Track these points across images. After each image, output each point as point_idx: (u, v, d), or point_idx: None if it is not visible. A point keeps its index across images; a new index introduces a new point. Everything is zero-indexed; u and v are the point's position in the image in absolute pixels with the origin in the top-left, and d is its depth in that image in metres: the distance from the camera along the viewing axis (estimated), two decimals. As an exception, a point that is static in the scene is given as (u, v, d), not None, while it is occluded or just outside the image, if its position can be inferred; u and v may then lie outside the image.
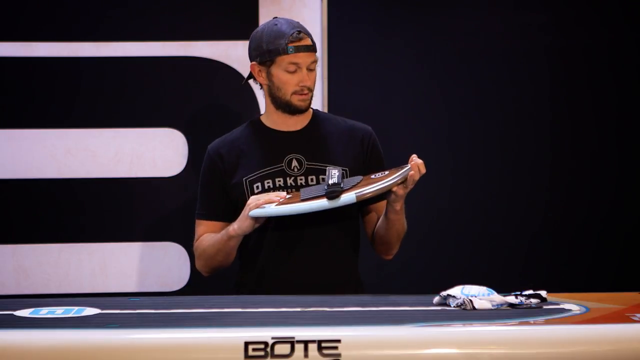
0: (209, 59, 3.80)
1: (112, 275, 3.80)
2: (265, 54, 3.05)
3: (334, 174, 2.89)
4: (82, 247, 3.80)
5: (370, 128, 3.17)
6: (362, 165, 3.09)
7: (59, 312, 2.46)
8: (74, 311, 2.46)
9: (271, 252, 3.04)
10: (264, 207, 2.89)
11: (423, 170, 2.86)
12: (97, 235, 3.80)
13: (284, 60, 3.03)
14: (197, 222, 3.15)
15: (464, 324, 2.27)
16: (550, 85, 3.95)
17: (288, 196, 2.92)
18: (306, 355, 2.13)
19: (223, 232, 3.02)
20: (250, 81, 3.19)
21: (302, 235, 3.04)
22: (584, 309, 2.45)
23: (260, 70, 3.08)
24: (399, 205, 2.95)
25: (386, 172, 2.91)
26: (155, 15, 3.80)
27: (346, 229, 3.09)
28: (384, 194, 2.89)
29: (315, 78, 3.08)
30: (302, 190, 2.95)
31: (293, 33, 3.03)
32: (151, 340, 2.19)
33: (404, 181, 2.86)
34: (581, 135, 3.95)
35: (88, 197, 3.79)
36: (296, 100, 3.06)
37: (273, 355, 2.13)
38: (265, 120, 3.15)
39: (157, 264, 3.82)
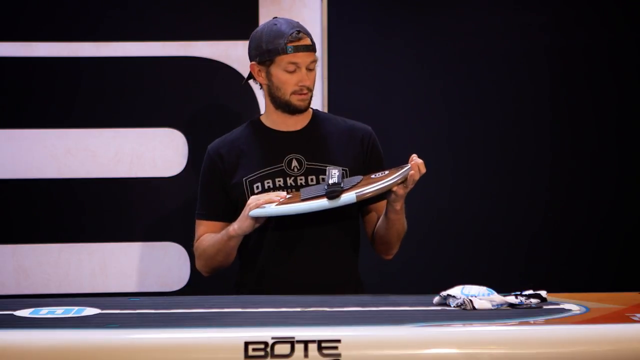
0: (209, 59, 3.80)
1: (112, 275, 3.80)
2: (264, 53, 3.05)
3: (334, 174, 2.89)
4: (82, 247, 3.80)
5: (370, 128, 3.17)
6: (362, 165, 3.09)
7: (59, 312, 2.45)
8: (74, 311, 2.46)
9: (271, 252, 3.04)
10: (264, 207, 2.89)
11: (423, 170, 2.86)
12: (97, 235, 3.80)
13: (283, 60, 3.03)
14: (197, 222, 3.15)
15: (464, 324, 2.27)
16: (550, 85, 3.95)
17: (288, 196, 2.92)
18: (306, 355, 2.13)
19: (223, 232, 3.02)
20: (250, 81, 3.19)
21: (302, 235, 3.04)
22: (584, 309, 2.45)
23: (259, 70, 3.09)
24: (399, 205, 2.95)
25: (386, 172, 2.91)
26: (155, 15, 3.80)
27: (346, 229, 3.09)
28: (384, 194, 2.89)
29: (314, 78, 3.08)
30: (302, 190, 2.95)
31: (292, 33, 3.03)
32: (151, 340, 2.19)
33: (404, 181, 2.86)
34: (581, 135, 3.95)
35: (88, 197, 3.79)
36: (295, 100, 3.06)
37: (273, 355, 2.13)
38: (265, 120, 3.15)
39: (157, 264, 3.82)
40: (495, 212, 3.94)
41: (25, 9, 3.76)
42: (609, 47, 3.94)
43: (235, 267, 3.13)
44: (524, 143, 3.94)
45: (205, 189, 3.14)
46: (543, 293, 2.50)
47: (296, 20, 3.13)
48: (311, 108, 3.17)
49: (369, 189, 2.84)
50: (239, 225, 2.96)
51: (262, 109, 3.34)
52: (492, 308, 2.44)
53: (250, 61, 3.10)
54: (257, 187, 3.04)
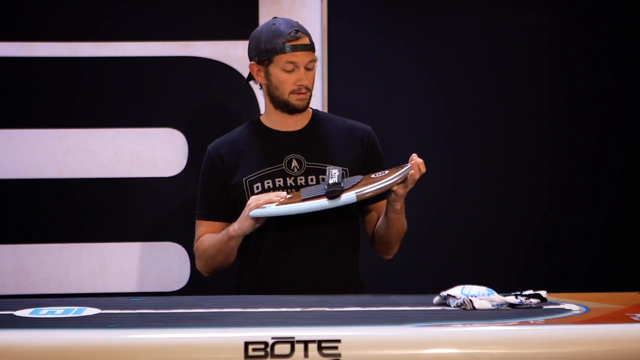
0: (209, 59, 3.80)
1: (112, 275, 3.80)
2: (263, 53, 3.06)
3: (334, 174, 2.89)
4: (82, 247, 3.80)
5: (369, 128, 3.17)
6: (362, 165, 3.09)
7: (59, 312, 2.45)
8: (74, 311, 2.46)
9: (271, 252, 3.04)
10: (264, 207, 2.89)
11: (423, 170, 2.87)
12: (97, 235, 3.80)
13: (282, 59, 3.04)
14: (197, 222, 3.14)
15: (464, 324, 2.27)
16: (550, 85, 3.95)
17: (288, 196, 2.92)
18: (306, 355, 2.13)
19: (223, 232, 3.02)
20: (251, 81, 3.19)
21: (302, 235, 3.04)
22: (584, 309, 2.45)
23: (259, 70, 3.09)
24: (399, 205, 2.95)
25: (386, 172, 2.91)
26: (155, 15, 3.80)
27: (346, 228, 3.09)
28: (384, 194, 2.89)
29: (313, 77, 3.08)
30: (302, 190, 2.95)
31: (291, 32, 3.03)
32: (151, 340, 2.19)
33: (404, 180, 2.86)
34: (581, 135, 3.95)
35: (88, 197, 3.79)
36: (294, 100, 3.06)
37: (273, 355, 2.13)
38: (264, 120, 3.15)
39: (157, 264, 3.82)
40: (495, 212, 3.94)
41: (25, 9, 3.76)
42: (609, 47, 3.94)
43: (235, 267, 3.13)
44: (524, 143, 3.94)
45: (205, 189, 3.14)
46: (543, 293, 2.50)
47: (296, 20, 3.13)
48: (311, 108, 3.17)
49: (369, 189, 2.84)
50: (239, 226, 2.95)
51: (262, 109, 3.34)
52: (492, 308, 2.44)
53: (250, 61, 3.10)
54: (257, 187, 3.04)
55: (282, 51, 3.03)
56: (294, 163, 3.07)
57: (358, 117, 3.21)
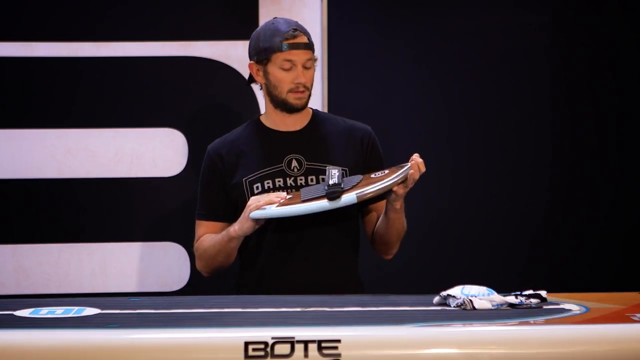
0: (209, 59, 3.80)
1: (112, 275, 3.80)
2: (261, 52, 3.06)
3: (334, 174, 2.89)
4: (82, 247, 3.80)
5: (369, 128, 3.17)
6: (362, 165, 3.09)
7: (59, 312, 2.45)
8: (74, 311, 2.46)
9: (271, 252, 3.04)
10: (265, 209, 2.88)
11: (423, 169, 2.87)
12: (97, 235, 3.80)
13: (279, 57, 3.04)
14: (197, 222, 3.14)
15: (464, 324, 2.27)
16: (550, 85, 3.95)
17: (288, 196, 2.92)
18: (306, 355, 2.13)
19: (224, 233, 3.02)
20: (252, 84, 3.18)
21: (302, 235, 3.04)
22: (584, 309, 2.45)
23: (258, 70, 3.09)
24: (398, 204, 2.95)
25: (386, 172, 2.91)
26: (155, 15, 3.80)
27: (346, 229, 3.08)
28: (385, 194, 2.89)
29: (312, 76, 3.08)
30: (302, 190, 2.95)
31: (289, 31, 3.04)
32: (151, 340, 2.19)
33: (404, 180, 2.86)
34: (581, 135, 3.95)
35: (88, 197, 3.79)
36: (292, 99, 3.06)
37: (273, 355, 2.13)
38: (264, 120, 3.15)
39: (157, 264, 3.81)
40: (495, 212, 3.94)
41: (25, 9, 3.76)
42: (609, 47, 3.94)
43: (235, 267, 3.13)
44: (524, 143, 3.94)
45: (205, 189, 3.14)
46: (543, 293, 2.50)
47: (296, 20, 3.14)
48: (311, 108, 3.17)
49: (370, 189, 2.84)
50: (240, 227, 2.95)
51: (262, 109, 3.34)
52: (492, 308, 2.44)
53: (250, 61, 3.11)
54: (257, 188, 3.04)
55: (280, 49, 3.03)
56: (294, 163, 3.07)
57: (358, 117, 3.21)
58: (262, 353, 2.13)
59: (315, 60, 3.10)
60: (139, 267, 3.81)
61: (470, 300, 2.44)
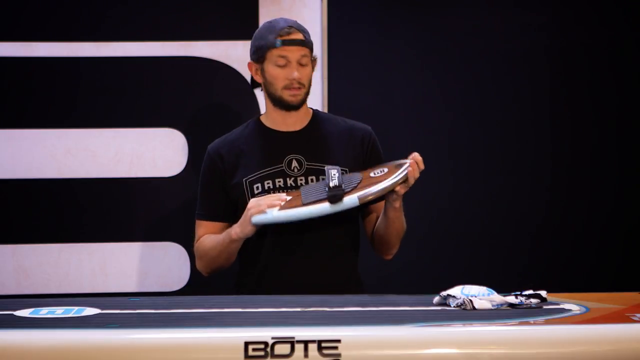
0: (209, 59, 3.80)
1: (112, 275, 3.80)
2: (258, 50, 3.07)
3: (333, 175, 2.89)
4: (82, 247, 3.80)
5: (370, 128, 3.17)
6: (362, 165, 3.09)
7: (59, 312, 2.45)
8: (74, 311, 2.46)
9: (271, 252, 3.04)
10: (267, 213, 2.88)
11: (422, 167, 2.87)
12: (97, 235, 3.80)
13: (273, 54, 3.04)
14: (197, 222, 3.14)
15: (464, 324, 2.27)
16: (550, 85, 3.95)
17: (289, 198, 2.91)
18: (306, 355, 2.13)
19: (224, 235, 3.02)
20: (257, 88, 3.18)
21: (302, 235, 3.04)
22: (584, 309, 2.45)
23: (256, 69, 3.10)
24: (398, 203, 2.95)
25: (385, 170, 2.90)
26: (155, 15, 3.80)
27: (346, 229, 3.08)
28: (386, 194, 2.89)
29: (308, 74, 3.07)
30: (302, 189, 2.95)
31: (284, 28, 3.04)
32: (151, 340, 2.19)
33: (405, 180, 2.86)
34: (581, 135, 3.95)
35: (88, 197, 3.79)
36: (287, 95, 3.06)
37: (273, 355, 2.13)
38: (265, 120, 3.15)
39: (157, 264, 3.81)
40: (495, 212, 3.94)
41: (25, 9, 3.76)
42: (609, 47, 3.94)
43: (235, 267, 3.13)
44: (524, 143, 3.94)
45: (205, 189, 3.14)
46: (543, 293, 2.50)
47: (298, 20, 3.14)
48: (311, 108, 3.17)
49: (371, 192, 2.84)
50: (241, 230, 2.95)
51: (262, 109, 3.34)
52: (492, 308, 2.44)
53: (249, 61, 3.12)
54: (257, 188, 3.04)
55: (274, 46, 3.04)
56: (294, 163, 3.07)
57: (358, 117, 3.21)
58: (262, 353, 2.13)
59: (313, 58, 3.09)
60: (139, 267, 3.81)
61: (470, 300, 2.44)
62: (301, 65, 3.05)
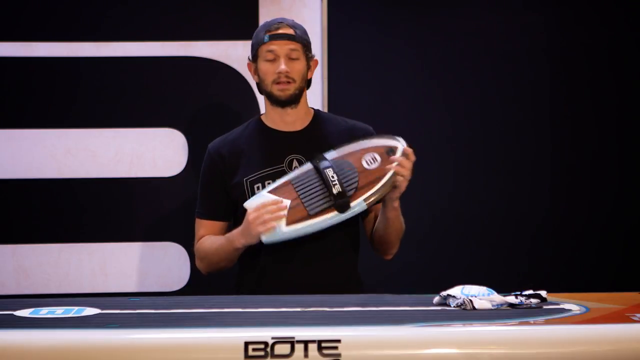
0: (209, 59, 3.80)
1: (112, 275, 3.80)
2: (252, 49, 3.09)
3: (333, 178, 2.89)
4: (82, 247, 3.80)
5: (370, 128, 3.17)
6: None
7: (59, 312, 2.45)
8: (74, 311, 2.46)
9: (271, 252, 3.04)
10: (277, 230, 2.87)
11: (412, 158, 2.89)
12: (97, 235, 3.80)
13: (263, 49, 3.05)
14: (197, 221, 3.14)
15: (464, 324, 2.27)
16: (550, 85, 3.95)
17: (287, 202, 2.90)
18: (306, 355, 2.13)
19: (226, 241, 3.01)
20: (251, 81, 3.19)
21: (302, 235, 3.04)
22: (584, 309, 2.45)
23: (253, 68, 3.10)
24: (396, 203, 2.96)
25: (377, 158, 2.91)
26: (155, 15, 3.80)
27: (346, 229, 3.08)
28: (389, 190, 2.91)
29: (299, 69, 3.06)
30: (292, 180, 2.93)
31: (273, 24, 3.05)
32: (151, 340, 2.19)
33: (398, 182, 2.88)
34: (581, 135, 3.95)
35: (88, 197, 3.79)
36: (276, 90, 3.06)
37: (273, 355, 2.13)
38: (265, 119, 3.15)
39: (157, 264, 3.81)
40: (495, 212, 3.94)
41: (25, 9, 3.76)
42: (609, 47, 3.94)
43: (235, 267, 3.13)
44: (524, 143, 3.94)
45: (206, 189, 3.14)
46: (543, 293, 2.50)
47: (297, 20, 3.15)
48: (312, 108, 3.17)
49: (375, 191, 2.86)
50: (246, 240, 2.95)
51: (262, 109, 3.34)
52: (492, 308, 2.44)
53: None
54: (258, 188, 3.04)
55: (263, 41, 3.05)
56: (295, 163, 3.07)
57: (358, 117, 3.21)
58: (262, 353, 2.13)
59: (310, 56, 3.08)
60: (139, 267, 3.81)
61: (470, 300, 2.44)
62: (291, 59, 3.05)
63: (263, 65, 3.06)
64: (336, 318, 2.41)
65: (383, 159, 2.91)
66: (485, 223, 3.93)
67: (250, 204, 2.93)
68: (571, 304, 2.49)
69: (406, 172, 2.90)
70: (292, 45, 3.04)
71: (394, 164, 2.90)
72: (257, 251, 3.06)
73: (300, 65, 3.06)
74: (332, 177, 2.89)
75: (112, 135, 3.80)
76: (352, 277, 3.12)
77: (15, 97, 3.78)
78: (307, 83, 3.14)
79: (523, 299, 2.47)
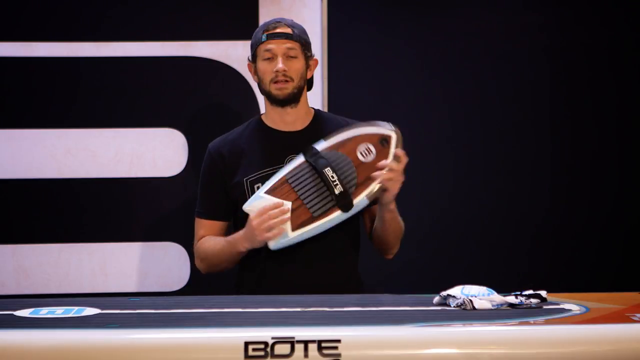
0: (209, 59, 3.80)
1: (112, 275, 3.80)
2: (251, 49, 3.09)
3: (333, 178, 2.89)
4: (82, 247, 3.80)
5: (370, 128, 3.17)
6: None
7: (59, 312, 2.45)
8: (74, 311, 2.46)
9: (271, 252, 3.03)
10: (284, 237, 2.88)
11: (404, 160, 2.89)
12: (97, 235, 3.80)
13: (261, 49, 3.06)
14: (197, 220, 3.14)
15: (464, 324, 2.27)
16: (550, 85, 3.95)
17: (288, 204, 2.90)
18: (306, 355, 2.13)
19: (228, 245, 3.01)
20: (251, 81, 3.19)
21: (302, 235, 3.04)
22: (584, 309, 2.45)
23: (255, 69, 3.10)
24: (392, 205, 2.97)
25: (372, 149, 2.93)
26: (155, 15, 3.80)
27: (346, 229, 3.08)
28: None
29: (298, 68, 3.06)
30: (290, 181, 2.93)
31: (271, 23, 3.06)
32: (151, 340, 2.19)
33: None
34: (581, 136, 3.95)
35: (88, 197, 3.79)
36: (274, 89, 3.06)
37: (273, 355, 2.13)
38: (265, 119, 3.15)
39: (157, 264, 3.81)
40: (495, 212, 3.93)
41: (25, 9, 3.76)
42: (609, 47, 3.94)
43: (235, 267, 3.13)
44: (524, 143, 3.94)
45: (206, 188, 3.14)
46: (543, 293, 2.50)
47: (297, 20, 3.14)
48: (313, 108, 3.17)
49: (374, 186, 2.86)
50: (251, 245, 2.95)
51: (262, 109, 3.34)
52: (492, 308, 2.44)
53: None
54: (258, 188, 3.04)
55: (260, 41, 3.05)
56: (295, 163, 3.07)
57: (358, 117, 3.21)
58: (262, 353, 2.13)
59: (309, 55, 3.08)
60: (139, 267, 3.81)
61: (470, 300, 2.44)
62: (289, 57, 3.05)
63: (261, 65, 3.06)
64: (336, 318, 2.41)
65: (378, 150, 2.91)
66: (485, 223, 3.93)
67: (250, 208, 2.93)
68: (571, 304, 2.49)
69: (397, 176, 2.90)
70: (290, 44, 3.05)
71: (385, 170, 2.89)
72: (257, 252, 3.05)
73: (298, 64, 3.06)
74: (332, 176, 2.90)
75: (112, 135, 3.80)
76: (352, 277, 3.12)
77: (15, 97, 3.78)
78: (309, 83, 3.14)
79: (523, 299, 2.47)
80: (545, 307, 2.46)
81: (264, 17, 3.72)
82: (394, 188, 2.92)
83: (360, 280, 3.15)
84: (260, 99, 3.67)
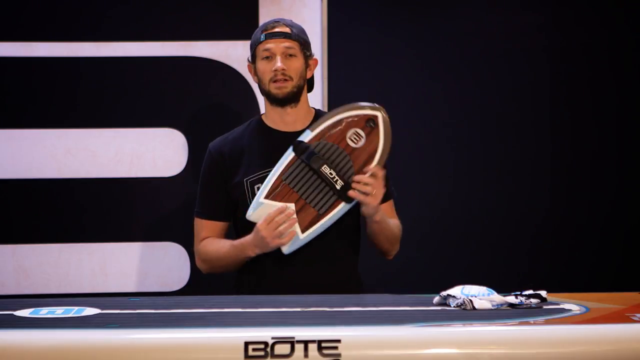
0: (209, 59, 3.80)
1: (112, 275, 3.80)
2: (250, 49, 3.09)
3: (332, 174, 2.89)
4: (82, 247, 3.80)
5: (370, 128, 3.17)
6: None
7: (59, 312, 2.45)
8: (74, 311, 2.46)
9: (271, 252, 3.03)
10: (296, 240, 2.89)
11: (380, 175, 2.89)
12: (97, 235, 3.80)
13: (260, 49, 3.06)
14: (197, 220, 3.14)
15: (464, 324, 2.27)
16: (550, 85, 3.95)
17: (292, 206, 2.90)
18: (306, 355, 2.13)
19: (235, 249, 3.00)
20: (251, 81, 3.19)
21: (302, 235, 3.04)
22: (584, 309, 2.45)
23: (255, 70, 3.10)
24: (378, 217, 2.97)
25: (362, 134, 2.94)
26: (155, 15, 3.80)
27: (346, 229, 3.08)
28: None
29: (297, 67, 3.05)
30: (286, 181, 2.93)
31: (270, 23, 3.06)
32: (151, 340, 2.19)
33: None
34: (581, 136, 3.95)
35: (88, 197, 3.79)
36: (273, 88, 3.06)
37: (273, 355, 2.13)
38: (265, 119, 3.15)
39: (157, 264, 3.81)
40: (495, 212, 3.93)
41: (25, 9, 3.76)
42: (609, 47, 3.94)
43: (235, 267, 3.13)
44: (524, 143, 3.94)
45: (206, 188, 3.14)
46: (543, 293, 2.50)
47: (297, 20, 3.14)
48: (313, 108, 3.17)
49: (372, 168, 2.89)
50: (262, 251, 2.95)
51: (262, 109, 3.34)
52: (492, 308, 2.44)
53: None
54: (258, 188, 3.03)
55: (259, 41, 3.05)
56: (295, 163, 3.07)
57: (358, 117, 3.21)
58: (262, 353, 2.13)
59: (308, 55, 3.08)
60: (139, 267, 3.81)
61: (470, 300, 2.44)
62: (287, 57, 3.04)
63: (260, 65, 3.06)
64: (336, 318, 2.41)
65: (367, 133, 2.92)
66: (485, 223, 3.93)
67: (255, 217, 2.93)
68: (571, 304, 2.49)
69: (374, 190, 2.90)
70: (288, 43, 3.04)
71: (360, 188, 2.89)
72: (258, 252, 3.06)
73: (297, 63, 3.06)
74: (330, 173, 2.90)
75: (112, 135, 3.80)
76: (352, 277, 3.12)
77: (15, 97, 3.78)
78: (310, 84, 3.13)
79: (523, 299, 2.47)
80: (545, 307, 2.46)
81: (264, 17, 3.72)
82: (373, 202, 2.91)
83: (360, 280, 3.14)
84: (260, 99, 3.66)
